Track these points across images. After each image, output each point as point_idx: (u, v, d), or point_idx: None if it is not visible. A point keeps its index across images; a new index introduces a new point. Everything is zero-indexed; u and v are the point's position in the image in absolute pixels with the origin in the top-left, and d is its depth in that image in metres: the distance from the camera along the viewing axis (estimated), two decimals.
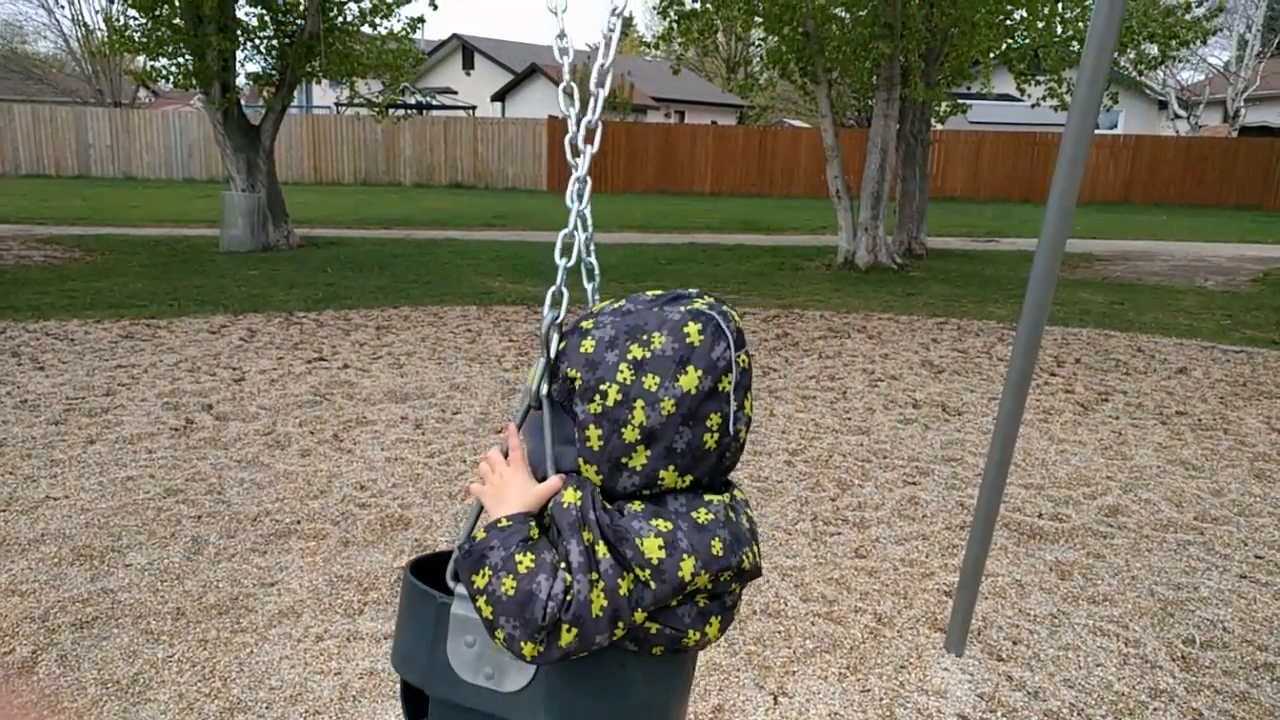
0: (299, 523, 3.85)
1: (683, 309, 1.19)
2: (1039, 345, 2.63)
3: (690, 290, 1.24)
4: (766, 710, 2.67)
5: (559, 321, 1.22)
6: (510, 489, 1.19)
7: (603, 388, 1.15)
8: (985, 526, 2.85)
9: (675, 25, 12.43)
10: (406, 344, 7.22)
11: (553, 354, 1.19)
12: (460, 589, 1.19)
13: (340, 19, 13.21)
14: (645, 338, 1.16)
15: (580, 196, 1.37)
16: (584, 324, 1.22)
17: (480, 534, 1.15)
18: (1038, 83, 13.21)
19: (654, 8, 12.40)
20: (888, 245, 12.74)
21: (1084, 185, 2.43)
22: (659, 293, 1.24)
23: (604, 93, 1.36)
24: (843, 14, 12.18)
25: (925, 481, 4.55)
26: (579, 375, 1.17)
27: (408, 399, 5.73)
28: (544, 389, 1.18)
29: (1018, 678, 2.86)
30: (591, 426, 1.16)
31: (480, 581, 1.12)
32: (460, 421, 5.30)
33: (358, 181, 27.27)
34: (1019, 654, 3.00)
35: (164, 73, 12.59)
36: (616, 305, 1.23)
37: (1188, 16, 12.24)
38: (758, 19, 12.38)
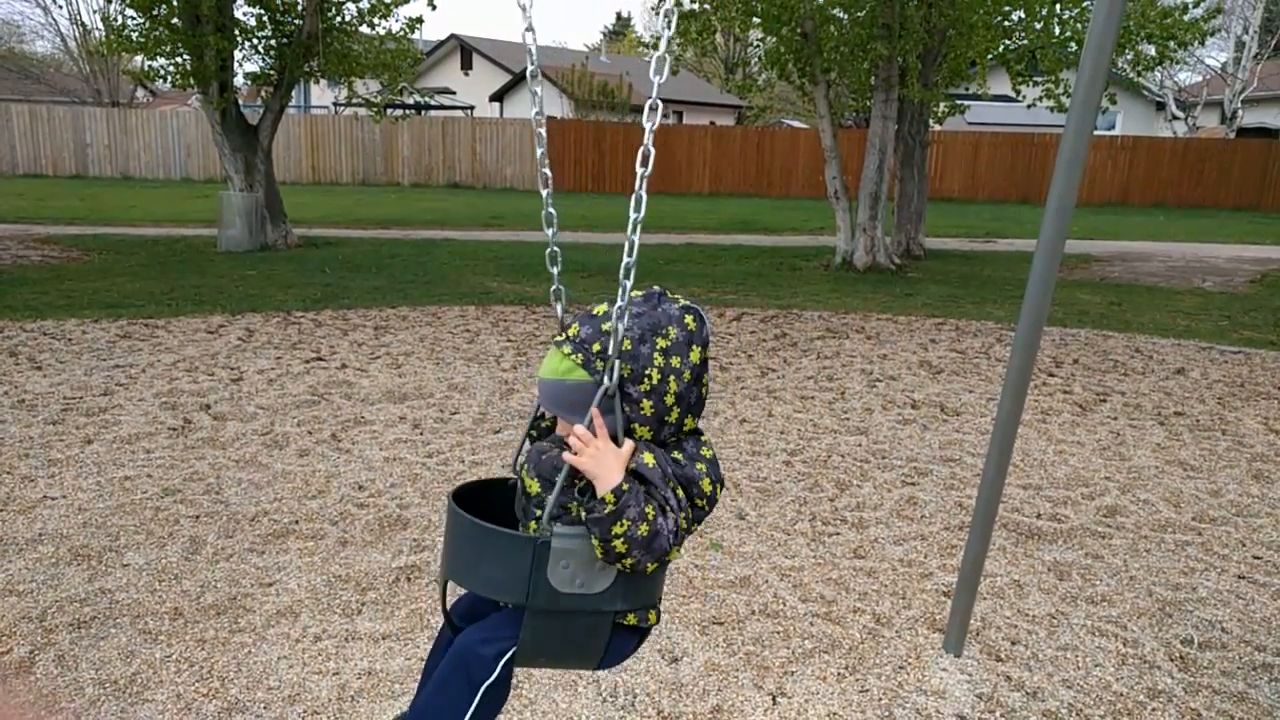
0: (297, 523, 3.85)
1: (675, 306, 1.66)
2: (1038, 346, 2.63)
3: (657, 288, 1.70)
4: (765, 710, 2.67)
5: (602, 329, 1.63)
6: (608, 458, 1.56)
7: (647, 371, 1.60)
8: (984, 527, 2.85)
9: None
10: (404, 344, 7.21)
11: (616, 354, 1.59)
12: (560, 528, 1.61)
13: (338, 19, 13.20)
14: (664, 331, 1.62)
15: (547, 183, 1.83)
16: (605, 326, 1.61)
17: (610, 499, 1.53)
18: (1035, 83, 13.22)
19: (652, 8, 12.39)
20: (886, 246, 12.74)
21: (1082, 186, 2.44)
22: (641, 294, 1.68)
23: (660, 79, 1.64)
24: (841, 15, 12.18)
25: (924, 482, 4.55)
26: (627, 366, 1.59)
27: (406, 399, 5.72)
28: (614, 380, 1.59)
29: (1016, 678, 2.86)
30: (644, 400, 1.60)
31: (619, 529, 1.53)
32: (458, 421, 5.30)
33: (355, 182, 27.25)
34: (1017, 654, 3.00)
35: (162, 72, 12.57)
36: (613, 308, 1.60)
37: (1185, 17, 12.25)
38: (756, 20, 12.38)
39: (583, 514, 1.58)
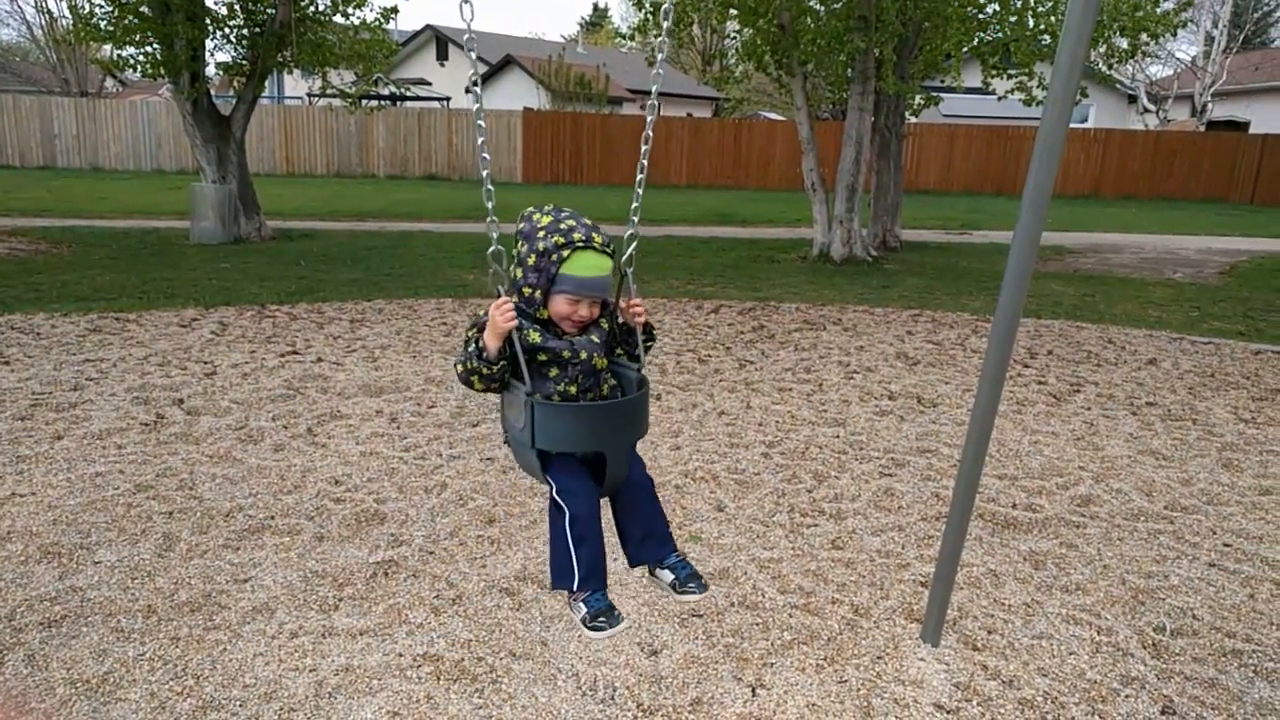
0: (272, 518, 3.81)
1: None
2: (1015, 337, 2.64)
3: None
4: (745, 702, 2.68)
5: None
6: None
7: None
8: (961, 517, 2.87)
9: (650, 17, 12.39)
10: (381, 337, 7.16)
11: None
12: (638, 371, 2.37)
13: (312, 8, 13.04)
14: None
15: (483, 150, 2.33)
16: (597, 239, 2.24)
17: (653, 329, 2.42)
18: (1009, 76, 13.30)
19: (634, 2, 12.35)
20: (862, 238, 12.80)
21: (1056, 178, 2.45)
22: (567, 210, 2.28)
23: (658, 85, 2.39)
24: (818, 7, 12.19)
25: (901, 473, 4.58)
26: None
27: (382, 393, 5.68)
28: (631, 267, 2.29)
29: (993, 667, 2.89)
30: None
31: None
32: (436, 415, 5.26)
33: (331, 173, 27.00)
34: (994, 643, 3.02)
35: (131, 62, 12.36)
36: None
37: (1157, 10, 12.36)
38: (733, 11, 12.37)
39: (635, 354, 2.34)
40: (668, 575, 2.38)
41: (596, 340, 2.29)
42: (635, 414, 2.32)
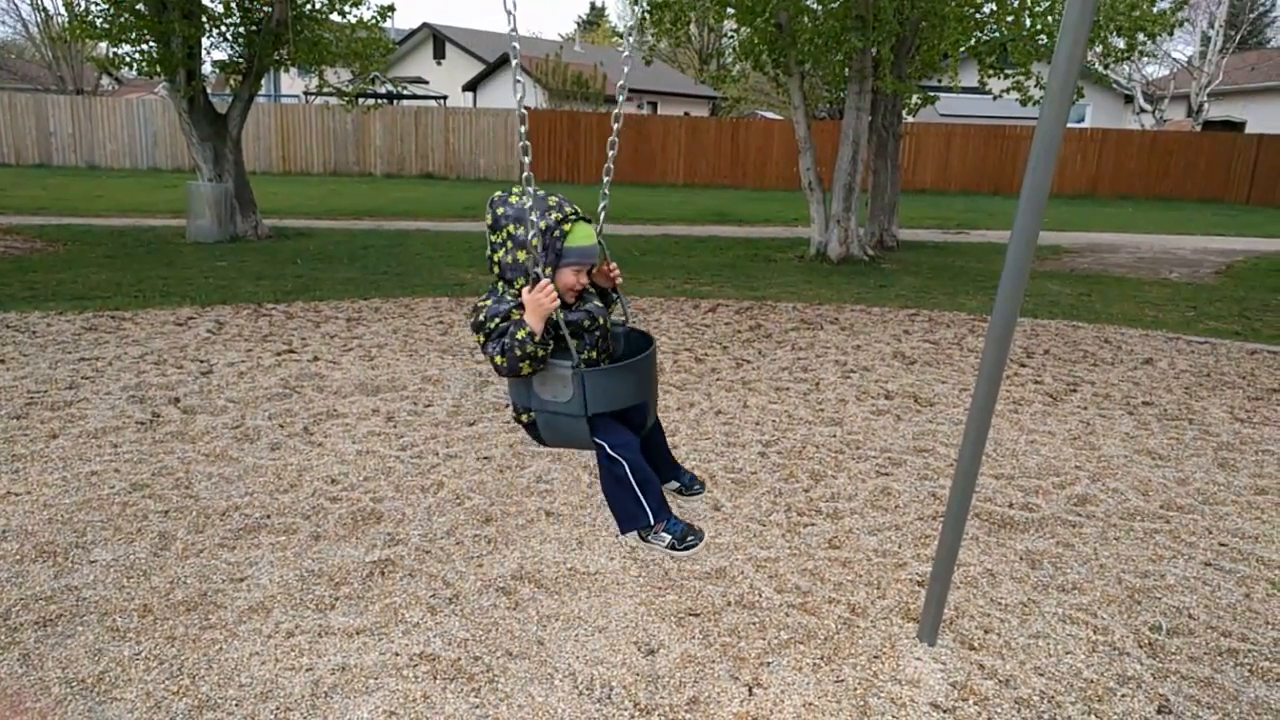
0: (269, 517, 3.80)
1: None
2: (1012, 336, 2.64)
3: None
4: (741, 701, 2.68)
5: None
6: None
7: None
8: (958, 517, 2.86)
9: (647, 16, 12.39)
10: (378, 336, 7.15)
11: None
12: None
13: (308, 6, 13.02)
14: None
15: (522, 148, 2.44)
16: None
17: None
18: (1006, 75, 13.31)
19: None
20: (859, 237, 12.80)
21: (1053, 178, 2.45)
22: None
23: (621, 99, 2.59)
24: (815, 6, 12.19)
25: (898, 472, 4.58)
26: None
27: (379, 391, 5.67)
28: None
29: (989, 666, 2.89)
30: None
31: None
32: (432, 414, 5.26)
33: (327, 172, 26.96)
34: (990, 643, 3.03)
35: (127, 60, 12.33)
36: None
37: (1154, 9, 12.37)
38: (730, 10, 12.37)
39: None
40: (674, 484, 2.95)
41: (600, 304, 2.50)
42: (655, 365, 2.60)
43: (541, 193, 2.42)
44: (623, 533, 2.60)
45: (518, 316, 2.32)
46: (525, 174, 2.33)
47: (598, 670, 2.80)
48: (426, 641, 2.93)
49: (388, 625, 3.01)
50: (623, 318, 2.67)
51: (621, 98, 2.60)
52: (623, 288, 2.66)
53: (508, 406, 5.38)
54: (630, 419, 2.56)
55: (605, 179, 2.56)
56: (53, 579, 3.23)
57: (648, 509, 2.54)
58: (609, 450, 2.46)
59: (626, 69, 2.59)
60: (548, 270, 2.32)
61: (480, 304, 2.50)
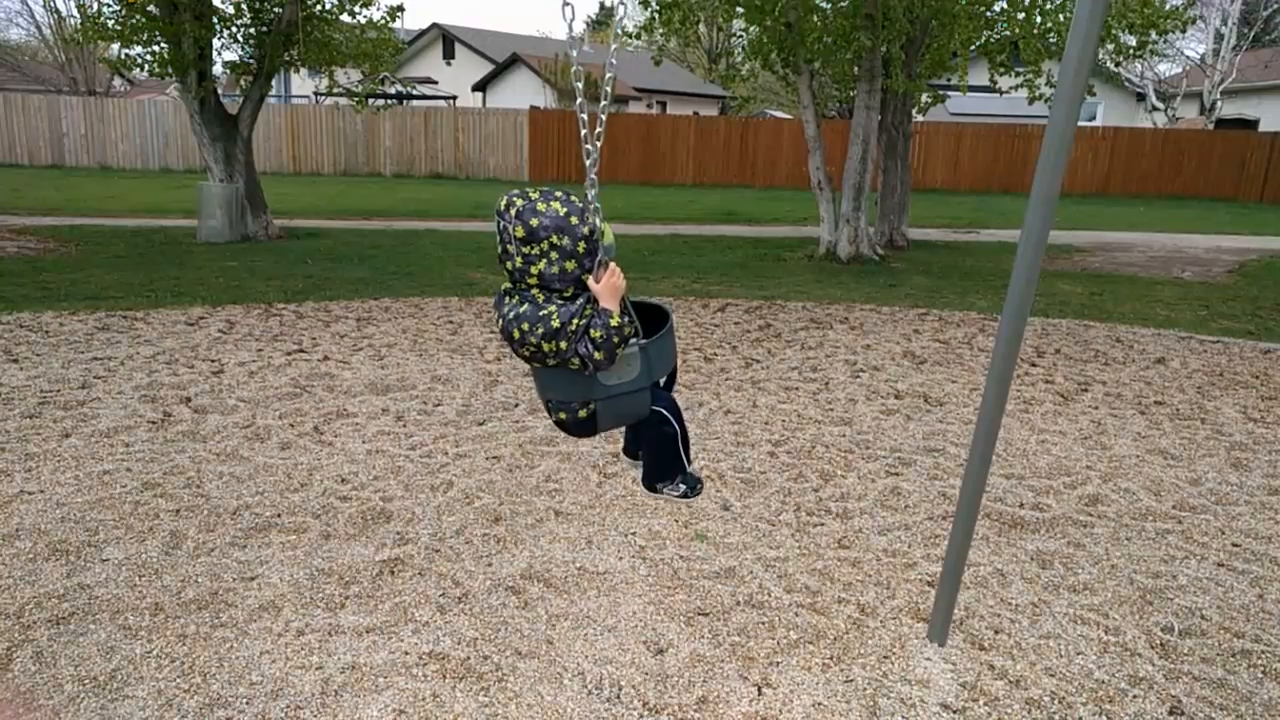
0: (279, 516, 3.82)
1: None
2: (1022, 336, 2.63)
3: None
4: (750, 701, 2.67)
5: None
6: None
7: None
8: (968, 516, 2.86)
9: (656, 16, 12.38)
10: (387, 335, 7.17)
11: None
12: None
13: (318, 7, 13.05)
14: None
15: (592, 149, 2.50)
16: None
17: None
18: (1017, 73, 13.26)
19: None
20: (869, 236, 12.77)
21: (1064, 177, 2.44)
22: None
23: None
24: (824, 5, 12.16)
25: (907, 472, 4.57)
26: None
27: (389, 391, 5.69)
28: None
29: (1000, 667, 2.88)
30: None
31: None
32: (442, 414, 5.27)
33: (337, 172, 27.04)
34: (1001, 643, 3.01)
35: (139, 61, 12.41)
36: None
37: (1165, 6, 12.31)
38: (739, 10, 12.35)
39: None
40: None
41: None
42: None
43: (568, 194, 2.44)
44: (650, 486, 2.78)
45: (590, 311, 2.35)
46: (590, 177, 2.46)
47: (607, 670, 2.80)
48: (436, 640, 2.93)
49: (397, 624, 3.02)
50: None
51: (605, 101, 2.62)
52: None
53: (517, 406, 5.39)
54: (663, 382, 2.78)
55: (591, 178, 2.58)
56: (65, 577, 3.25)
57: (686, 463, 2.75)
58: (665, 414, 2.63)
59: (610, 74, 2.62)
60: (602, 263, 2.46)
61: (518, 313, 2.39)
